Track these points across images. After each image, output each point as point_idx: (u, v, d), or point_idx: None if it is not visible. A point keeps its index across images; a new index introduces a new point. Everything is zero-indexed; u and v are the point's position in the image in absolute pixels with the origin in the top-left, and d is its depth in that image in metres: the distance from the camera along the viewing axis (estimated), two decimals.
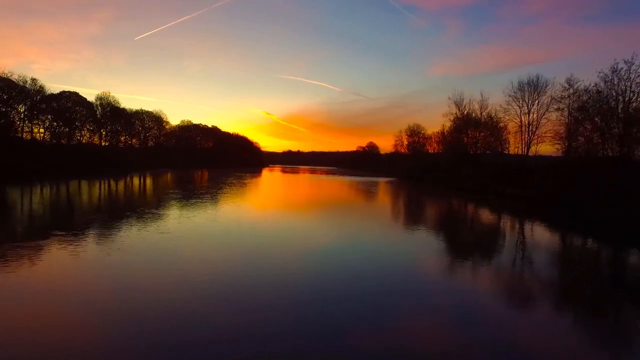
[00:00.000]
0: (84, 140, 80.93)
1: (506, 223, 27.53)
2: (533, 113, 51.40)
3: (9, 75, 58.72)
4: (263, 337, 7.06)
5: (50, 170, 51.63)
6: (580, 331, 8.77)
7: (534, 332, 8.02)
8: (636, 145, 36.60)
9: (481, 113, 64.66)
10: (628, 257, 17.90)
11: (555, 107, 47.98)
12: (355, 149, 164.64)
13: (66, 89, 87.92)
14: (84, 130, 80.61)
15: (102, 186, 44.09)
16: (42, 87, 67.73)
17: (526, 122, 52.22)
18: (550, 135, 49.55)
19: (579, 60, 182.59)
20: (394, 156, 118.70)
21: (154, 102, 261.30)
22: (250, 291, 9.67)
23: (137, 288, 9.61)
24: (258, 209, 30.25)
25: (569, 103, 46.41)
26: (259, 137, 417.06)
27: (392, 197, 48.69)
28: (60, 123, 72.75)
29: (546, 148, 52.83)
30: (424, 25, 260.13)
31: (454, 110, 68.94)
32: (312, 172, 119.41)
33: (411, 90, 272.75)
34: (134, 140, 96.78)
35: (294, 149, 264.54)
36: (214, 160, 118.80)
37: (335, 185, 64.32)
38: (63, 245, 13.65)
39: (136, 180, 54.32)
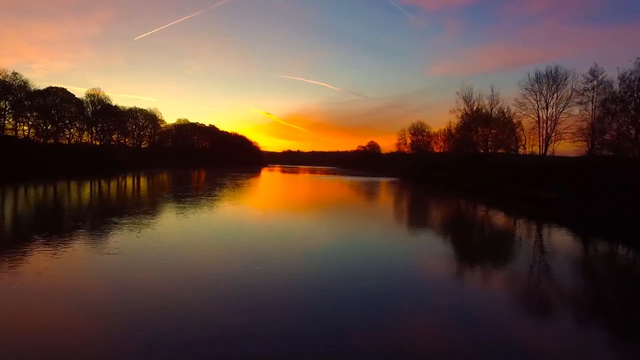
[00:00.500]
0: (73, 140, 76.50)
1: (520, 227, 24.94)
2: (551, 107, 46.88)
3: None
4: (263, 337, 6.88)
5: (31, 170, 47.36)
6: (581, 332, 8.49)
7: (535, 333, 7.91)
8: None
9: (491, 109, 60.12)
10: None
11: (577, 100, 43.46)
12: (355, 149, 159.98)
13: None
14: (73, 129, 76.10)
15: (85, 188, 39.58)
16: (25, 83, 63.32)
17: (544, 117, 47.56)
18: (571, 131, 45.04)
19: (579, 60, 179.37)
20: (395, 156, 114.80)
21: (154, 101, 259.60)
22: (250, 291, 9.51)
23: (137, 288, 9.46)
24: (252, 213, 25.88)
25: (593, 96, 41.93)
26: (259, 137, 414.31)
27: (397, 199, 44.15)
28: (47, 121, 68.34)
29: (565, 147, 48.35)
30: (423, 25, 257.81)
31: (462, 106, 64.34)
32: (312, 172, 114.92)
33: (411, 90, 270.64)
34: (127, 139, 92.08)
35: (294, 148, 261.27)
36: (212, 159, 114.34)
37: (335, 186, 59.73)
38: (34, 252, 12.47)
39: (123, 181, 49.72)
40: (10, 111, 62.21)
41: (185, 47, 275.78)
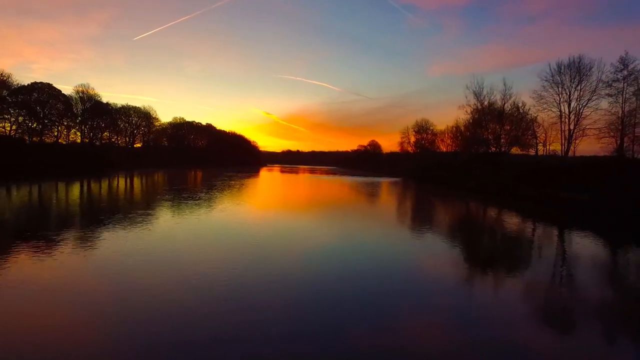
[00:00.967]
0: (61, 139, 72.00)
1: (538, 231, 22.82)
2: (575, 101, 42.33)
3: None
4: (263, 337, 6.74)
5: (13, 170, 43.03)
6: (581, 332, 8.27)
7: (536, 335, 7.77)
8: None
9: (504, 104, 55.50)
10: None
11: (606, 92, 38.96)
12: (356, 148, 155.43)
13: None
14: (61, 127, 71.50)
15: (68, 188, 35.02)
16: (8, 77, 58.83)
17: (566, 111, 43.01)
18: (596, 127, 40.55)
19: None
20: (397, 155, 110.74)
21: (154, 101, 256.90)
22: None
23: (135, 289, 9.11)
24: (248, 217, 21.60)
25: (624, 87, 37.46)
26: (259, 137, 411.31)
27: (400, 200, 39.64)
28: (32, 118, 63.74)
29: (586, 146, 43.90)
30: (423, 25, 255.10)
31: (472, 101, 59.66)
32: (312, 172, 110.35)
33: (411, 90, 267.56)
34: (118, 138, 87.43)
35: (294, 148, 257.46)
36: (209, 159, 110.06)
37: (335, 187, 55.20)
38: None
39: (107, 182, 45.13)
40: None
41: (185, 47, 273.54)
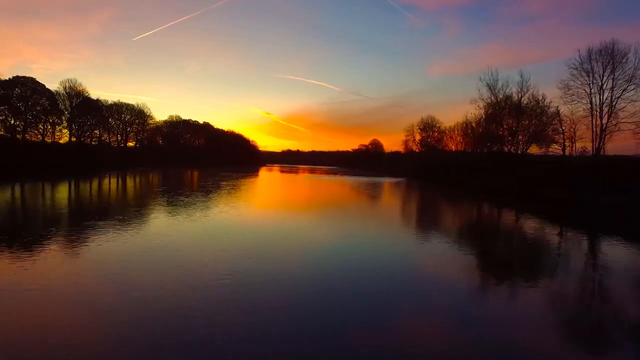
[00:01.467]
0: (48, 137, 66.85)
1: (554, 235, 20.81)
2: (607, 91, 37.26)
3: None
4: (263, 337, 6.57)
5: None
6: (581, 332, 8.04)
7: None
8: None
9: (520, 97, 50.38)
10: None
11: None
12: (357, 147, 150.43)
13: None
14: (47, 124, 66.34)
15: (46, 189, 29.99)
16: None
17: (598, 103, 37.92)
18: (633, 120, 35.51)
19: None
20: (399, 154, 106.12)
21: (153, 101, 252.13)
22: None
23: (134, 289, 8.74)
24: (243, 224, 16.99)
25: None
26: (259, 136, 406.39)
27: (418, 206, 34.57)
28: (12, 115, 58.70)
29: (623, 142, 38.97)
30: (423, 24, 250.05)
31: (487, 94, 54.47)
32: (312, 171, 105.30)
33: (411, 89, 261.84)
34: (110, 137, 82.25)
35: (294, 148, 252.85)
36: (207, 158, 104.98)
37: (338, 188, 50.09)
38: None
39: (86, 185, 40.04)
40: None
41: (185, 47, 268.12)
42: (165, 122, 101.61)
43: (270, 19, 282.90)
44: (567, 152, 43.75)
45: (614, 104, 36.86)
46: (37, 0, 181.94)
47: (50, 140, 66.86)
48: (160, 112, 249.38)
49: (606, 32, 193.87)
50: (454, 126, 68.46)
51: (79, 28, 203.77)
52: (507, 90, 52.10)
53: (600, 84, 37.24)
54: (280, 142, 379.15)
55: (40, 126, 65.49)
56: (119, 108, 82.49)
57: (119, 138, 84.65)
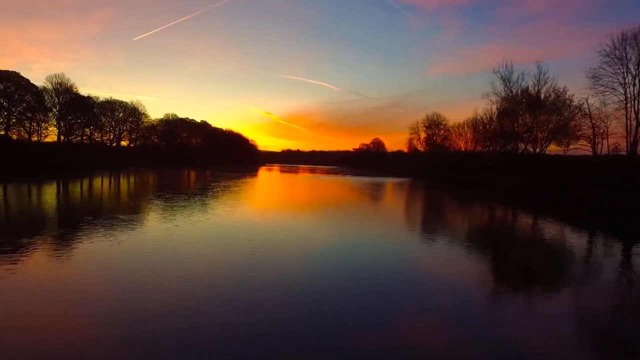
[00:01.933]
0: (34, 135, 62.42)
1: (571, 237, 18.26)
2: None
3: None
4: (263, 337, 6.32)
5: None
6: (582, 331, 7.48)
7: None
8: None
9: (538, 90, 45.88)
10: None
11: None
12: (358, 147, 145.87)
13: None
14: (33, 122, 61.86)
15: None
16: None
17: (633, 95, 33.47)
18: None
19: (579, 60, 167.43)
20: (402, 154, 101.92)
21: (153, 101, 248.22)
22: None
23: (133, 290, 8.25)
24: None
25: None
26: (259, 136, 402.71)
27: (437, 212, 30.17)
28: None
29: None
30: (422, 24, 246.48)
31: (501, 88, 49.95)
32: (312, 171, 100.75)
33: (411, 89, 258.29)
34: (102, 135, 77.73)
35: (294, 148, 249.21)
36: (204, 158, 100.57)
37: (340, 189, 45.65)
38: None
39: (67, 186, 35.53)
40: None
41: (185, 47, 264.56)
42: (161, 120, 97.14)
43: (270, 19, 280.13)
44: (602, 150, 39.28)
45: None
46: (37, 0, 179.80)
47: (36, 139, 62.52)
48: (160, 112, 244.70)
49: (606, 32, 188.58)
50: (464, 122, 63.74)
51: (79, 28, 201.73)
52: (523, 84, 47.64)
53: (635, 72, 32.79)
54: (280, 142, 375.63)
55: (27, 124, 61.16)
56: (111, 105, 77.99)
57: (112, 137, 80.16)
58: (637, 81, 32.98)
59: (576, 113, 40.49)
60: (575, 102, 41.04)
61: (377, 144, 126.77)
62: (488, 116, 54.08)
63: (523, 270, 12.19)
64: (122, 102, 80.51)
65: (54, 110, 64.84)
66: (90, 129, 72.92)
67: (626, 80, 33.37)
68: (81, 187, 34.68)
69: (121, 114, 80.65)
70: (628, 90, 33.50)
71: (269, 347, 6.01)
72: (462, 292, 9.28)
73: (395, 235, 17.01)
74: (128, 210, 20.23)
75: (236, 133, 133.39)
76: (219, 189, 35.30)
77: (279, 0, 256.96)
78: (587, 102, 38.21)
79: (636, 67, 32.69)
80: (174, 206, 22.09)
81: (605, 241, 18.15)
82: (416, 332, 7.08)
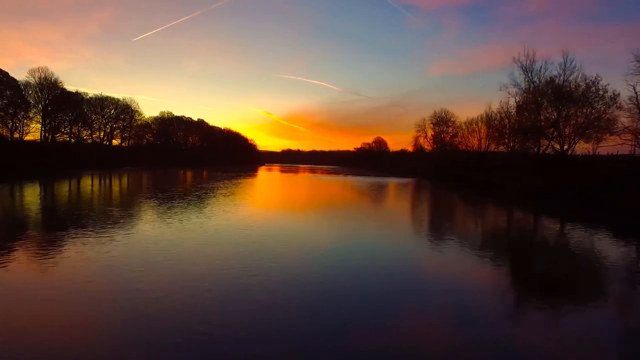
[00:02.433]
0: (16, 133, 57.32)
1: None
2: None
3: None
4: (263, 337, 6.04)
5: None
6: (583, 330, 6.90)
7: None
8: None
9: (564, 80, 40.73)
10: None
11: None
12: (359, 146, 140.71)
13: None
14: (16, 120, 56.73)
15: None
16: None
17: None
18: None
19: (578, 60, 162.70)
20: (405, 153, 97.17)
21: (153, 101, 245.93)
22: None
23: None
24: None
25: None
26: (259, 136, 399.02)
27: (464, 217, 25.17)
28: None
29: None
30: (422, 24, 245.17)
31: (521, 78, 44.71)
32: (313, 171, 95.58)
33: (411, 89, 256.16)
34: (91, 133, 72.46)
35: (294, 148, 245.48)
36: (201, 158, 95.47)
37: (342, 190, 40.56)
38: None
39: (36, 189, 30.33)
40: None
41: (185, 47, 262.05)
42: (156, 118, 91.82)
43: (270, 19, 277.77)
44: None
45: None
46: (37, 0, 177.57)
47: (17, 136, 57.37)
48: (160, 112, 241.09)
49: (606, 32, 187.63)
50: (478, 118, 58.26)
51: (79, 28, 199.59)
52: (546, 74, 42.48)
53: None
54: (280, 141, 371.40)
55: (9, 121, 56.05)
56: (101, 102, 72.74)
57: (102, 135, 74.95)
58: None
59: (611, 105, 35.42)
60: (610, 93, 35.97)
61: (380, 143, 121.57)
62: (505, 110, 48.84)
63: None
64: (113, 98, 75.42)
65: (40, 106, 59.77)
66: (78, 127, 67.70)
67: None
68: (53, 190, 29.50)
69: (112, 111, 75.48)
70: None
71: (268, 347, 5.70)
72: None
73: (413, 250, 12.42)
74: (98, 220, 15.16)
75: (235, 132, 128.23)
76: (216, 190, 30.16)
77: (279, 0, 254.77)
78: (634, 89, 32.91)
79: None
80: (161, 211, 16.95)
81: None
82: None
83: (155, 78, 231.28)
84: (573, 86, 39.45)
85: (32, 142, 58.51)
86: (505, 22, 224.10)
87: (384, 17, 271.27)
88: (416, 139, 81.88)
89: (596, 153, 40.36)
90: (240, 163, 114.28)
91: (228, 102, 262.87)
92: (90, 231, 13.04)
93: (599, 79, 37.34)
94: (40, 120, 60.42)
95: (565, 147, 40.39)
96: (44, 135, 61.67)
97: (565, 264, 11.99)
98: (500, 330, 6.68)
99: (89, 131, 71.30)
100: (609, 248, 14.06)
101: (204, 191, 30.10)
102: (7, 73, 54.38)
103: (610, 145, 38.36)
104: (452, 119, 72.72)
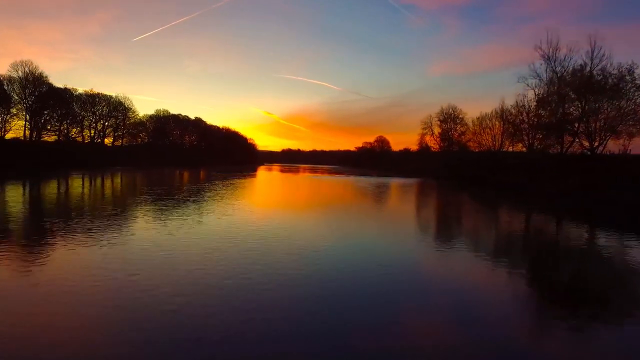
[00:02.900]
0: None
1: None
2: None
3: None
4: (263, 337, 5.79)
5: None
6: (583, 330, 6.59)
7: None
8: None
9: (592, 70, 36.31)
10: None
11: None
12: (361, 145, 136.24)
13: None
14: None
15: None
16: None
17: None
18: None
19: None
20: (408, 153, 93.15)
21: (153, 101, 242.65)
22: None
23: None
24: None
25: None
26: (260, 136, 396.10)
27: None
28: None
29: None
30: (422, 24, 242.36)
31: (543, 69, 40.27)
32: (314, 171, 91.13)
33: (411, 89, 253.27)
34: (81, 131, 67.98)
35: (294, 148, 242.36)
36: (199, 157, 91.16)
37: (348, 193, 36.23)
38: None
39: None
40: None
41: (185, 47, 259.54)
42: (151, 116, 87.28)
43: (270, 19, 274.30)
44: None
45: None
46: (38, 0, 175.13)
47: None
48: (155, 110, 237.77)
49: (606, 32, 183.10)
50: (490, 114, 53.57)
51: (80, 28, 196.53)
52: (570, 63, 38.05)
53: None
54: (280, 141, 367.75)
55: None
56: (92, 99, 68.21)
57: (93, 133, 70.43)
58: None
59: None
60: None
61: (382, 142, 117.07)
62: (522, 105, 44.30)
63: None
64: (105, 95, 70.84)
65: (23, 102, 55.23)
66: (66, 125, 63.16)
67: None
68: (31, 192, 25.01)
69: (104, 109, 70.93)
70: None
71: (268, 347, 5.49)
72: None
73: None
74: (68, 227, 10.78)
75: (233, 131, 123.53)
76: (212, 193, 25.76)
77: (279, 0, 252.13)
78: None
79: None
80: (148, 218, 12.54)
81: None
82: None
83: (156, 78, 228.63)
84: (602, 76, 35.00)
85: (14, 141, 54.00)
86: (505, 22, 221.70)
87: (384, 17, 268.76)
88: (422, 137, 77.22)
89: (628, 151, 35.99)
90: (239, 163, 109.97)
91: (228, 102, 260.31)
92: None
93: (635, 66, 32.95)
94: (25, 117, 56.04)
95: (595, 143, 35.93)
96: (30, 133, 57.23)
97: (599, 274, 10.51)
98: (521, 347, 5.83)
99: (79, 129, 66.73)
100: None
101: (189, 193, 25.64)
102: None
103: None
104: (460, 116, 68.16)
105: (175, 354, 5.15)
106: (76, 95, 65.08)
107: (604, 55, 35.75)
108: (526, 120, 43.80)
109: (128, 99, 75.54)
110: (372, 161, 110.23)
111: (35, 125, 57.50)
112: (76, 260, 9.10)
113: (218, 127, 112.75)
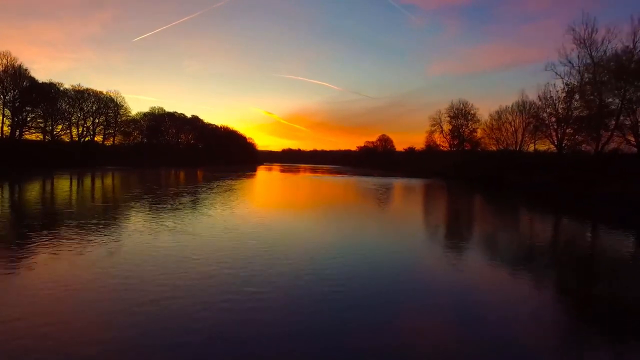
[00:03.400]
0: None
1: None
2: None
3: None
4: (262, 336, 5.58)
5: None
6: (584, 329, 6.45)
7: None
8: None
9: (633, 56, 31.31)
10: None
11: None
12: (363, 145, 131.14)
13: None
14: None
15: None
16: None
17: None
18: None
19: None
20: (413, 152, 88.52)
21: (154, 101, 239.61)
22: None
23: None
24: None
25: None
26: (260, 136, 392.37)
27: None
28: None
29: None
30: (422, 24, 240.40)
31: (574, 54, 35.34)
32: (314, 171, 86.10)
33: (411, 89, 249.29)
34: (69, 129, 62.82)
35: (295, 147, 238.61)
36: (196, 156, 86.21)
37: (353, 196, 31.33)
38: None
39: None
40: None
41: (185, 47, 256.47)
42: (146, 114, 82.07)
43: (270, 19, 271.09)
44: None
45: None
46: (39, 0, 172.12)
47: None
48: (150, 108, 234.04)
49: (606, 32, 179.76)
50: (512, 107, 47.98)
51: (80, 28, 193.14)
52: (610, 48, 33.04)
53: None
54: (281, 141, 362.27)
55: None
56: (80, 95, 63.03)
57: (81, 131, 65.28)
58: None
59: None
60: None
61: (385, 141, 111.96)
62: (549, 96, 39.24)
63: None
64: (94, 91, 65.70)
65: (2, 97, 50.14)
66: (51, 122, 58.00)
67: None
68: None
69: (94, 106, 65.78)
70: None
71: (268, 347, 5.29)
72: None
73: None
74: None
75: (232, 130, 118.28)
76: (210, 194, 20.75)
77: (279, 0, 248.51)
78: None
79: None
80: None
81: None
82: None
83: (156, 78, 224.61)
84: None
85: None
86: (505, 22, 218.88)
87: (384, 16, 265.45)
88: (430, 134, 71.93)
89: None
90: (239, 162, 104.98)
91: (228, 102, 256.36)
92: None
93: None
94: (2, 113, 50.92)
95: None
96: (11, 131, 52.09)
97: None
98: None
99: (66, 125, 61.59)
100: None
101: (175, 197, 20.57)
102: None
103: None
104: (471, 112, 63.06)
105: (175, 354, 4.94)
106: (62, 90, 59.97)
107: None
108: (554, 114, 38.73)
109: (120, 96, 70.58)
110: (374, 161, 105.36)
111: (17, 122, 52.39)
112: None
113: (216, 126, 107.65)
